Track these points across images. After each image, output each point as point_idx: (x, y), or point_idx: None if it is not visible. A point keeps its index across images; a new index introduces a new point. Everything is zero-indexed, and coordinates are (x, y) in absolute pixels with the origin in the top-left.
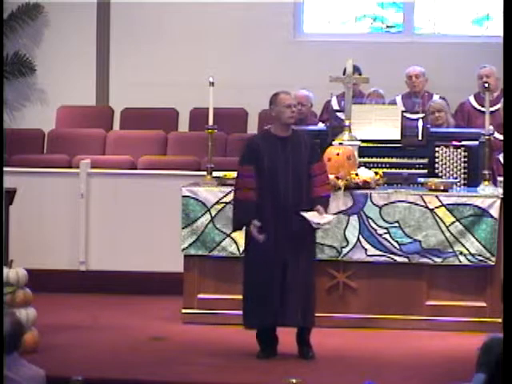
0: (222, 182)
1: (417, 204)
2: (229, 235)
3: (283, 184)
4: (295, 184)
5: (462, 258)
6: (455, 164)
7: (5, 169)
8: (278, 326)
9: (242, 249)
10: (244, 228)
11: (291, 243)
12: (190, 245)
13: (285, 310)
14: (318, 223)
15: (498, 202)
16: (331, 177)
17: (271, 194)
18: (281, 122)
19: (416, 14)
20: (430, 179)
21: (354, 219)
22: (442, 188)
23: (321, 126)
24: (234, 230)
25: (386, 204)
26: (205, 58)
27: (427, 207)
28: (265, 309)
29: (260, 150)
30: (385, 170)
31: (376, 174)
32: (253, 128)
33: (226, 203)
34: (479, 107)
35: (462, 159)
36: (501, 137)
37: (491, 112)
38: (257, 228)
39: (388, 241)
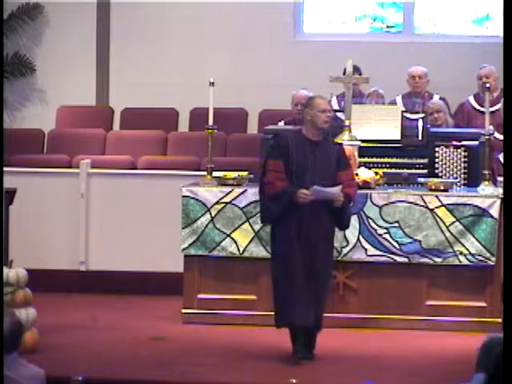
0: (221, 181)
1: (417, 204)
2: (229, 235)
3: (309, 187)
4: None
5: (462, 257)
6: (455, 164)
7: (5, 169)
8: (299, 326)
9: (242, 249)
10: (270, 228)
11: (314, 246)
12: (190, 245)
13: (306, 312)
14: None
15: (498, 202)
16: None
17: None
18: (315, 126)
19: (416, 14)
20: (430, 179)
21: (353, 219)
22: (441, 188)
23: None
24: (268, 222)
25: (386, 204)
26: (205, 57)
27: (427, 207)
28: (297, 308)
29: (290, 149)
30: (385, 170)
31: (376, 174)
32: (253, 128)
33: (226, 203)
34: (479, 107)
35: (462, 159)
36: (501, 137)
37: (491, 112)
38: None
39: (388, 241)
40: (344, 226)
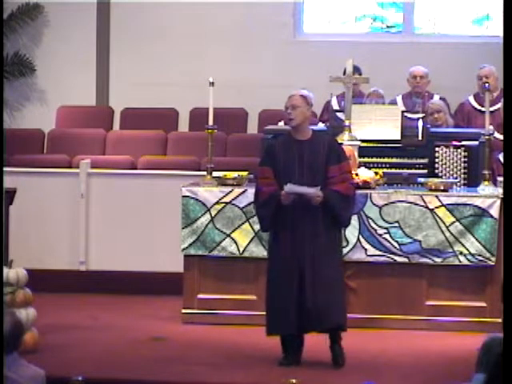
0: (221, 181)
1: (417, 204)
2: (229, 235)
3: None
4: (310, 186)
5: (461, 257)
6: (455, 164)
7: (5, 169)
8: (301, 332)
9: (242, 249)
10: (268, 233)
11: (309, 244)
12: (190, 245)
13: (307, 315)
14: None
15: (498, 202)
16: None
17: None
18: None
19: (416, 14)
20: (430, 179)
21: (353, 219)
22: (442, 188)
23: (321, 126)
24: (265, 230)
25: (385, 204)
26: (205, 57)
27: (427, 207)
28: (285, 315)
29: (276, 152)
30: (385, 170)
31: (376, 173)
32: (253, 128)
33: (226, 203)
34: (479, 107)
35: (462, 159)
36: (501, 137)
37: (491, 112)
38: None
39: (388, 241)
40: (342, 224)
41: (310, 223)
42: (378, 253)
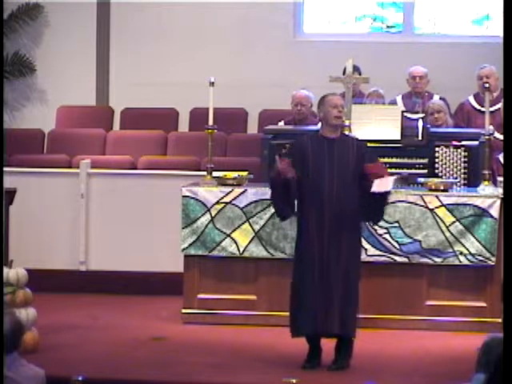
0: (221, 181)
1: (417, 204)
2: (229, 235)
3: (328, 186)
4: (340, 187)
5: (462, 257)
6: (455, 164)
7: (5, 169)
8: (319, 334)
9: (242, 249)
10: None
11: (335, 246)
12: (190, 245)
13: (326, 318)
14: (386, 191)
15: (498, 202)
16: None
17: (315, 195)
18: (328, 123)
19: (416, 14)
20: (430, 179)
21: None
22: (441, 188)
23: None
24: (282, 218)
25: None
26: (205, 57)
27: (427, 207)
28: (307, 316)
29: (307, 149)
30: None
31: None
32: (253, 128)
33: (226, 203)
34: (479, 107)
35: (462, 159)
36: (501, 137)
37: (491, 112)
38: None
39: (388, 241)
40: (378, 217)
41: (339, 225)
42: (378, 253)
